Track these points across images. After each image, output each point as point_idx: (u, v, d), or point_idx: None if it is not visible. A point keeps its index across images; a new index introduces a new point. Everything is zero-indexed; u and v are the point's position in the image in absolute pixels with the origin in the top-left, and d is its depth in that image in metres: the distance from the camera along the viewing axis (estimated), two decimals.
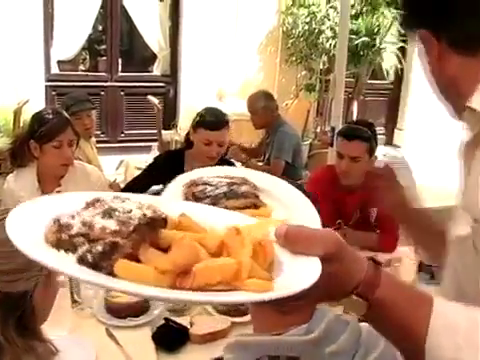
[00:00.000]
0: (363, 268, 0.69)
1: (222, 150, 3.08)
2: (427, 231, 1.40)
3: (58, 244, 0.62)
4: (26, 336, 1.33)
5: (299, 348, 0.80)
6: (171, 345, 1.95)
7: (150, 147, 4.77)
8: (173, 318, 2.08)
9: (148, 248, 0.63)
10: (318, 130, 7.27)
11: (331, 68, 6.72)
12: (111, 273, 0.60)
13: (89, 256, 0.60)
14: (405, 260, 2.72)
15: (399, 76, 8.45)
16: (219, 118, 3.05)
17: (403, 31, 7.67)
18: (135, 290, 0.58)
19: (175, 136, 4.68)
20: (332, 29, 6.97)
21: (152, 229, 0.65)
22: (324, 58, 7.35)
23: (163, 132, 5.30)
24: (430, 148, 8.24)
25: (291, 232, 0.67)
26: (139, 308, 2.09)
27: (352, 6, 6.78)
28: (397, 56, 7.57)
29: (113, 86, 7.37)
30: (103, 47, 7.55)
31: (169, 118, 6.93)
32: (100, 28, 7.57)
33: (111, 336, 1.98)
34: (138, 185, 3.02)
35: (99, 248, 0.60)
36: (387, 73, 7.83)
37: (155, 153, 4.32)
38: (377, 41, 7.27)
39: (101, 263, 0.60)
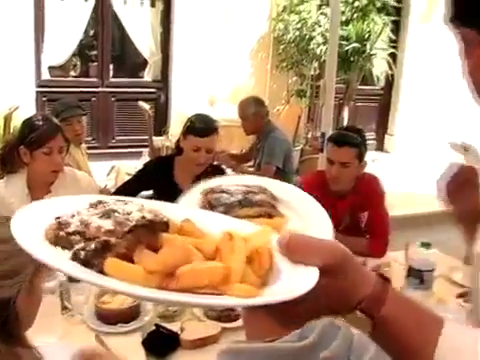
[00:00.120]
0: (369, 283, 0.67)
1: (211, 157, 3.09)
2: None
3: (56, 241, 0.64)
4: (10, 343, 1.32)
5: (293, 355, 0.81)
6: (161, 351, 1.95)
7: (141, 153, 4.77)
8: (163, 324, 2.08)
9: (143, 250, 0.64)
10: (309, 136, 7.28)
11: (322, 74, 6.74)
12: (102, 271, 0.61)
13: (82, 253, 0.61)
14: (394, 265, 2.73)
15: (390, 82, 8.50)
16: (208, 125, 3.07)
17: (394, 37, 7.74)
18: (120, 288, 0.59)
19: (166, 142, 4.68)
20: (323, 35, 7.00)
21: (151, 232, 0.66)
22: (315, 64, 7.38)
23: (154, 138, 5.30)
24: (421, 153, 8.29)
25: (292, 241, 0.66)
26: (129, 314, 2.09)
27: (342, 12, 6.82)
28: (387, 62, 7.63)
29: (104, 92, 7.37)
30: (94, 53, 7.54)
31: (160, 124, 6.93)
32: (91, 34, 7.58)
33: (101, 342, 1.98)
34: (128, 191, 3.02)
35: (92, 246, 0.62)
36: (377, 79, 7.88)
37: (146, 159, 4.32)
38: (367, 47, 7.32)
39: (93, 261, 0.61)
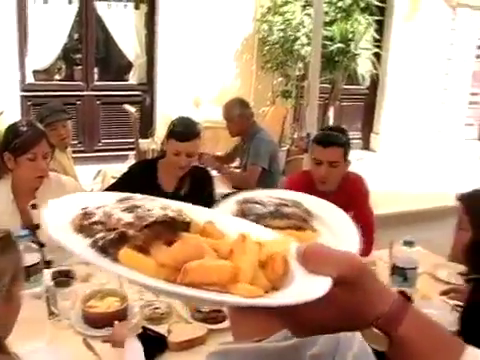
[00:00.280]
0: (388, 301, 0.65)
1: (191, 161, 3.11)
2: None
3: (80, 229, 0.68)
4: None
5: (280, 354, 0.82)
6: (149, 353, 1.96)
7: (127, 156, 4.77)
8: (151, 327, 2.09)
9: (161, 245, 0.66)
10: (295, 136, 7.32)
11: (307, 74, 6.78)
12: (116, 260, 0.64)
13: (100, 241, 0.65)
14: (379, 263, 2.77)
15: (375, 81, 8.56)
16: (189, 129, 3.08)
17: (378, 37, 7.80)
18: (128, 275, 0.62)
19: (152, 145, 4.69)
20: (307, 36, 7.02)
21: (171, 230, 0.68)
22: (300, 64, 7.41)
23: (140, 141, 5.30)
24: (406, 152, 8.35)
25: (308, 250, 0.66)
26: (116, 318, 2.10)
27: (326, 13, 6.86)
28: (372, 62, 7.67)
29: (89, 95, 7.34)
30: (79, 56, 7.50)
31: (146, 127, 6.93)
32: (75, 37, 7.54)
33: (89, 346, 1.99)
34: None
35: (110, 236, 0.65)
36: (363, 78, 7.92)
37: (131, 162, 4.31)
38: (352, 47, 7.35)
39: (109, 249, 0.64)
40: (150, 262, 0.63)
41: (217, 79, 7.50)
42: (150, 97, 7.63)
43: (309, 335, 0.69)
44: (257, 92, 7.74)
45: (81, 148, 7.18)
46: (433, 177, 7.11)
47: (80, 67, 7.45)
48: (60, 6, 6.97)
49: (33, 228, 2.54)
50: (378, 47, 7.89)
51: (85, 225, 0.68)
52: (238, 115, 4.46)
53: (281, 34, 7.33)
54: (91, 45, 7.31)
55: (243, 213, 0.83)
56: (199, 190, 3.13)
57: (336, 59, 7.29)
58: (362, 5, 7.42)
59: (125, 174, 3.28)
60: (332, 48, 7.12)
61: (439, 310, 2.24)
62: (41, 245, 2.38)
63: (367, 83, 8.49)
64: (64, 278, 2.27)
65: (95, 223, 0.68)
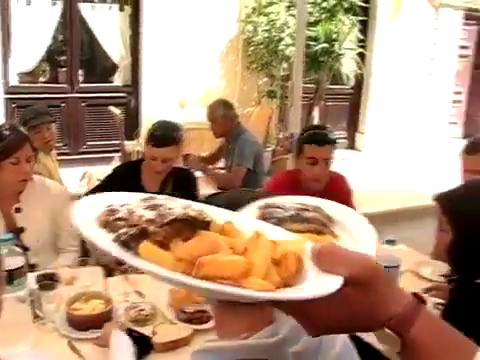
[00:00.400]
0: (401, 302, 0.66)
1: (169, 166, 3.10)
2: None
3: (105, 224, 0.72)
4: None
5: (265, 350, 0.84)
6: (135, 354, 1.97)
7: (112, 158, 4.76)
8: (135, 328, 2.10)
9: (180, 242, 0.69)
10: (280, 136, 7.34)
11: (291, 75, 6.81)
12: (137, 254, 0.68)
13: (123, 236, 0.69)
14: None
15: (359, 81, 8.61)
16: (166, 135, 3.06)
17: (362, 37, 7.85)
18: (146, 267, 0.66)
19: (137, 147, 4.69)
20: (292, 36, 7.04)
21: (191, 228, 0.71)
22: (284, 65, 7.44)
23: (125, 143, 5.30)
24: (391, 150, 8.41)
25: (323, 250, 0.67)
26: (101, 320, 2.10)
27: (311, 14, 6.89)
28: (356, 62, 7.72)
29: (74, 97, 7.31)
30: (63, 58, 7.47)
31: (131, 128, 6.91)
32: (60, 39, 7.50)
33: (74, 349, 1.99)
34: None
35: (132, 231, 0.69)
36: (347, 78, 7.97)
37: (117, 164, 4.31)
38: (336, 47, 7.40)
39: (130, 244, 0.68)
40: (168, 256, 0.67)
41: (202, 80, 7.51)
42: (135, 99, 7.62)
43: (324, 334, 0.70)
44: (242, 93, 7.76)
45: (66, 150, 7.15)
46: (418, 175, 7.17)
47: (64, 69, 7.41)
48: (44, 7, 6.94)
49: (17, 231, 2.54)
50: (362, 47, 7.95)
51: (110, 221, 0.72)
52: (222, 116, 4.48)
53: (266, 35, 7.36)
54: (75, 47, 7.28)
55: (264, 217, 0.86)
56: (182, 191, 3.13)
57: (321, 59, 7.33)
58: (346, 6, 7.47)
59: (109, 176, 3.28)
60: (316, 48, 7.16)
61: None
62: (25, 249, 2.38)
63: (352, 83, 8.55)
64: (48, 281, 2.26)
65: (119, 219, 0.72)
